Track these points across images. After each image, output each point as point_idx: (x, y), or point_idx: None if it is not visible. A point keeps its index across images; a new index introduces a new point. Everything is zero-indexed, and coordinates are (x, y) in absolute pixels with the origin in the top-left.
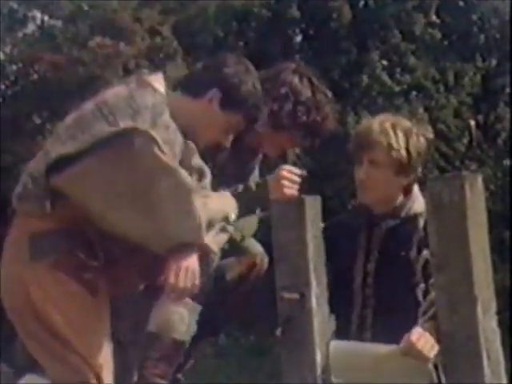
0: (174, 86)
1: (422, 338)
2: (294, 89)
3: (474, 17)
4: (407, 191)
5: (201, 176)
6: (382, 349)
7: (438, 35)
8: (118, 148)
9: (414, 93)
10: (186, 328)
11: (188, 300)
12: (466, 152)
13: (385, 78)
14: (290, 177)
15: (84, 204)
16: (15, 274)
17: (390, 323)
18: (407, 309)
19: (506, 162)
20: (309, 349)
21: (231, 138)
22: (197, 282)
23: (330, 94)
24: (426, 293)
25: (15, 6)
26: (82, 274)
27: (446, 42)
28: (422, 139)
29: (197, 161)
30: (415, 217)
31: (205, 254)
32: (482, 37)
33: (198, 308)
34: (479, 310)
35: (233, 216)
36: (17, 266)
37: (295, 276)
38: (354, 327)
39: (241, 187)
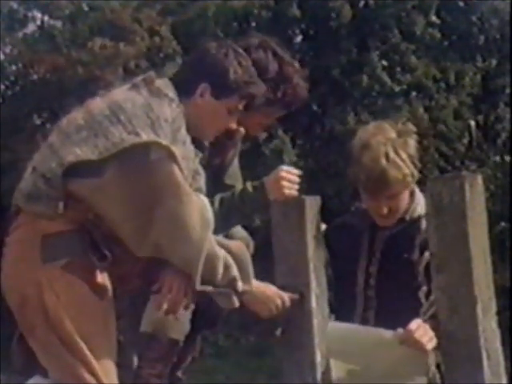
0: None
1: (420, 328)
2: (260, 66)
3: (474, 17)
4: (410, 195)
5: (195, 177)
6: (381, 333)
7: (438, 35)
8: (139, 161)
9: (414, 93)
10: (180, 327)
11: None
12: (466, 152)
13: (385, 78)
14: (289, 177)
15: (99, 211)
16: (26, 274)
17: (392, 325)
18: (409, 311)
19: (506, 162)
20: (309, 349)
21: (236, 119)
22: (190, 296)
23: (296, 63)
24: (428, 295)
25: (15, 6)
26: (93, 277)
27: (446, 42)
28: (411, 142)
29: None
30: (418, 219)
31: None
32: (482, 37)
33: (192, 306)
34: (479, 310)
35: (239, 284)
36: (28, 267)
37: (295, 276)
38: None
39: (237, 191)
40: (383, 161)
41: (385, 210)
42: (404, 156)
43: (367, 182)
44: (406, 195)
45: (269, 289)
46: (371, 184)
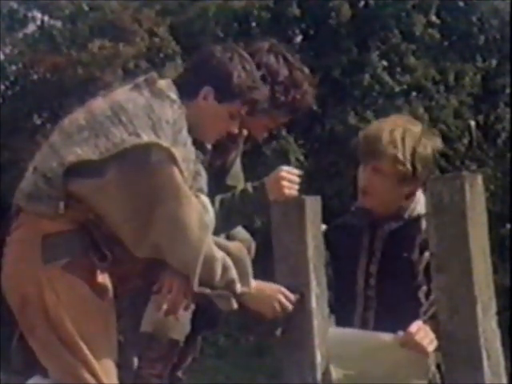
0: None
1: (421, 331)
2: (271, 69)
3: (474, 17)
4: (410, 194)
5: (196, 178)
6: (381, 337)
7: (438, 35)
8: (139, 162)
9: (414, 93)
10: (181, 327)
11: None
12: (467, 152)
13: (385, 78)
14: (289, 177)
15: (99, 211)
16: (27, 274)
17: (392, 325)
18: (409, 310)
19: (506, 162)
20: (309, 349)
21: (238, 123)
22: (190, 297)
23: (306, 69)
24: (428, 295)
25: (15, 6)
26: (93, 277)
27: (446, 43)
28: (429, 149)
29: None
30: (418, 218)
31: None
32: (482, 37)
33: (192, 306)
34: (479, 310)
35: (238, 286)
36: (28, 267)
37: (295, 276)
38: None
39: (238, 192)
40: (385, 134)
41: (364, 182)
42: (408, 144)
43: (362, 143)
44: (387, 184)
45: (269, 287)
46: (363, 146)
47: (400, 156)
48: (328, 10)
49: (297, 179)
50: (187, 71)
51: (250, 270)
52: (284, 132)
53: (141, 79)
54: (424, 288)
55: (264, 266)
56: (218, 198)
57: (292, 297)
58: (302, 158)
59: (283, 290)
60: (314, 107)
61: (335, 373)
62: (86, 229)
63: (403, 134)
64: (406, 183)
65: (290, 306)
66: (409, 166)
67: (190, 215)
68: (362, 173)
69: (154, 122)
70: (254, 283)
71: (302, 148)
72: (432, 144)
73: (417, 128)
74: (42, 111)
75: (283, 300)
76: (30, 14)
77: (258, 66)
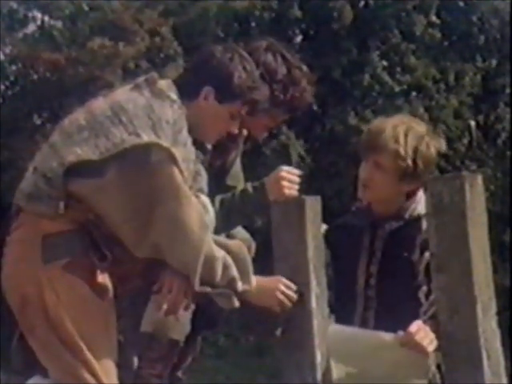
0: None
1: (421, 331)
2: (269, 68)
3: (474, 17)
4: (411, 194)
5: (196, 178)
6: (381, 337)
7: (438, 35)
8: (139, 162)
9: (414, 93)
10: (181, 327)
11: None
12: (467, 152)
13: (385, 78)
14: (289, 177)
15: (99, 211)
16: (27, 274)
17: (392, 325)
18: (409, 310)
19: (506, 162)
20: (309, 349)
21: (238, 124)
22: (190, 296)
23: (304, 67)
24: (428, 295)
25: (15, 6)
26: (93, 277)
27: (446, 43)
28: (432, 150)
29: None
30: (419, 218)
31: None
32: (482, 37)
33: (192, 306)
34: (479, 310)
35: (239, 284)
36: (28, 267)
37: (295, 276)
38: None
39: (238, 192)
40: (388, 129)
41: (365, 174)
42: (410, 141)
43: (364, 136)
44: (387, 180)
45: (269, 280)
46: (366, 140)
47: (401, 151)
48: (329, 11)
49: (297, 179)
50: (188, 71)
51: (250, 267)
52: (285, 129)
53: (141, 79)
54: (424, 288)
55: (264, 266)
56: (218, 198)
57: (293, 286)
58: (304, 153)
59: (283, 280)
60: (314, 107)
61: (336, 369)
62: (85, 229)
63: (406, 130)
64: (407, 180)
65: (293, 296)
66: (410, 162)
67: (189, 215)
68: (363, 167)
69: (154, 122)
70: (255, 280)
71: (302, 148)
72: (435, 144)
73: (421, 127)
74: (41, 111)
75: (286, 290)
76: (30, 14)
77: (256, 65)
